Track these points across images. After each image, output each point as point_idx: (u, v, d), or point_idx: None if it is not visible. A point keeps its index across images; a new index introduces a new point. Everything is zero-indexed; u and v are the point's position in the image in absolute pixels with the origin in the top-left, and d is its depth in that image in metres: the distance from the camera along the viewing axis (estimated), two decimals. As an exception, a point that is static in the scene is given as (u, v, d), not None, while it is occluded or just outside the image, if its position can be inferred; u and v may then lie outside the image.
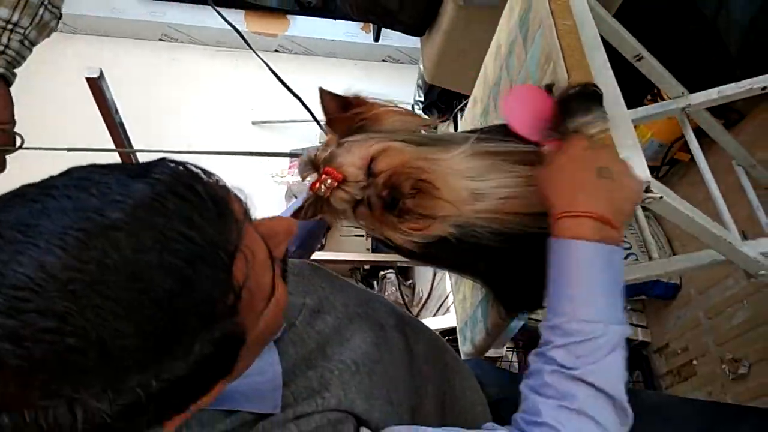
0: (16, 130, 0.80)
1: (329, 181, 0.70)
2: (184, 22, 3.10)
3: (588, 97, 0.73)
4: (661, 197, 0.75)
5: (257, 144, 2.92)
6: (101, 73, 1.24)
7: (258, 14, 3.15)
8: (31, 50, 0.76)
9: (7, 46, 0.71)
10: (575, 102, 0.74)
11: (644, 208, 0.98)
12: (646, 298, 1.96)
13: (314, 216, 0.77)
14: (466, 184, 0.70)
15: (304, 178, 0.75)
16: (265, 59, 1.30)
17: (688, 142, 1.26)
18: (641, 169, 0.72)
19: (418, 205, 0.69)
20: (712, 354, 1.76)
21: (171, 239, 0.44)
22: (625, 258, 1.83)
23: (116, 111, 1.33)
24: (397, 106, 0.78)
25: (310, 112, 1.34)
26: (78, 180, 0.45)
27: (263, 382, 0.61)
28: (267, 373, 0.61)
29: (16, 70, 0.76)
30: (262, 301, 0.53)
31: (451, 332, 1.84)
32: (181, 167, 0.49)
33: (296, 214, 0.77)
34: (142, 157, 1.53)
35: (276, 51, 3.22)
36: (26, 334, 0.39)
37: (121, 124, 1.37)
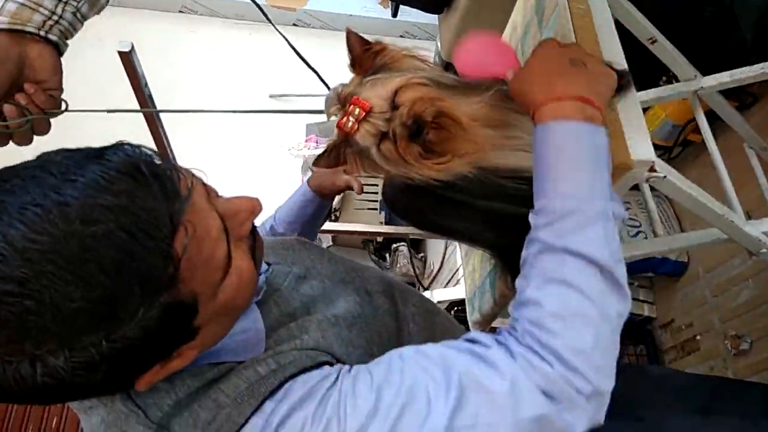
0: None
1: (357, 111, 0.71)
2: (204, -6, 3.13)
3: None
4: (665, 177, 0.78)
5: (274, 117, 2.94)
6: (132, 47, 1.28)
7: (277, -12, 3.17)
8: (82, 24, 0.79)
9: (61, 17, 0.75)
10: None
11: (652, 188, 1.01)
12: (654, 275, 1.99)
13: (336, 163, 0.77)
14: (483, 131, 0.71)
15: (329, 116, 0.77)
16: (283, 33, 1.31)
17: (698, 124, 1.27)
18: (645, 150, 0.73)
19: (440, 139, 0.70)
20: (715, 330, 1.80)
21: (116, 213, 0.50)
22: (635, 236, 1.86)
23: (146, 84, 1.37)
24: (416, 52, 0.80)
25: (327, 87, 1.36)
26: (44, 162, 0.52)
27: (247, 338, 0.65)
28: (250, 331, 0.65)
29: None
30: (215, 273, 0.57)
31: (460, 303, 1.89)
32: (134, 150, 0.54)
33: (318, 160, 0.78)
34: (170, 123, 1.56)
35: (294, 25, 3.23)
36: None
37: (150, 96, 1.41)
